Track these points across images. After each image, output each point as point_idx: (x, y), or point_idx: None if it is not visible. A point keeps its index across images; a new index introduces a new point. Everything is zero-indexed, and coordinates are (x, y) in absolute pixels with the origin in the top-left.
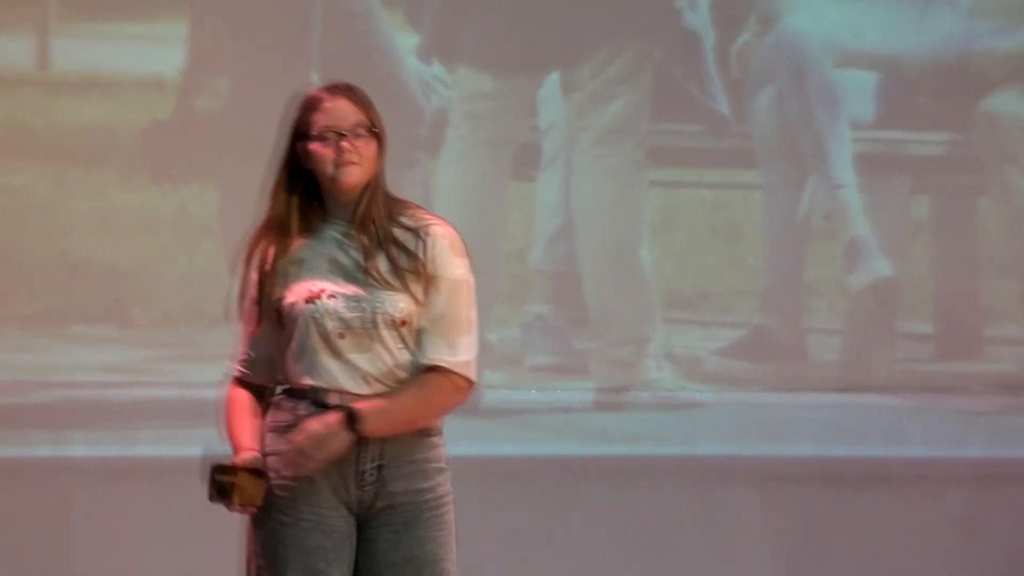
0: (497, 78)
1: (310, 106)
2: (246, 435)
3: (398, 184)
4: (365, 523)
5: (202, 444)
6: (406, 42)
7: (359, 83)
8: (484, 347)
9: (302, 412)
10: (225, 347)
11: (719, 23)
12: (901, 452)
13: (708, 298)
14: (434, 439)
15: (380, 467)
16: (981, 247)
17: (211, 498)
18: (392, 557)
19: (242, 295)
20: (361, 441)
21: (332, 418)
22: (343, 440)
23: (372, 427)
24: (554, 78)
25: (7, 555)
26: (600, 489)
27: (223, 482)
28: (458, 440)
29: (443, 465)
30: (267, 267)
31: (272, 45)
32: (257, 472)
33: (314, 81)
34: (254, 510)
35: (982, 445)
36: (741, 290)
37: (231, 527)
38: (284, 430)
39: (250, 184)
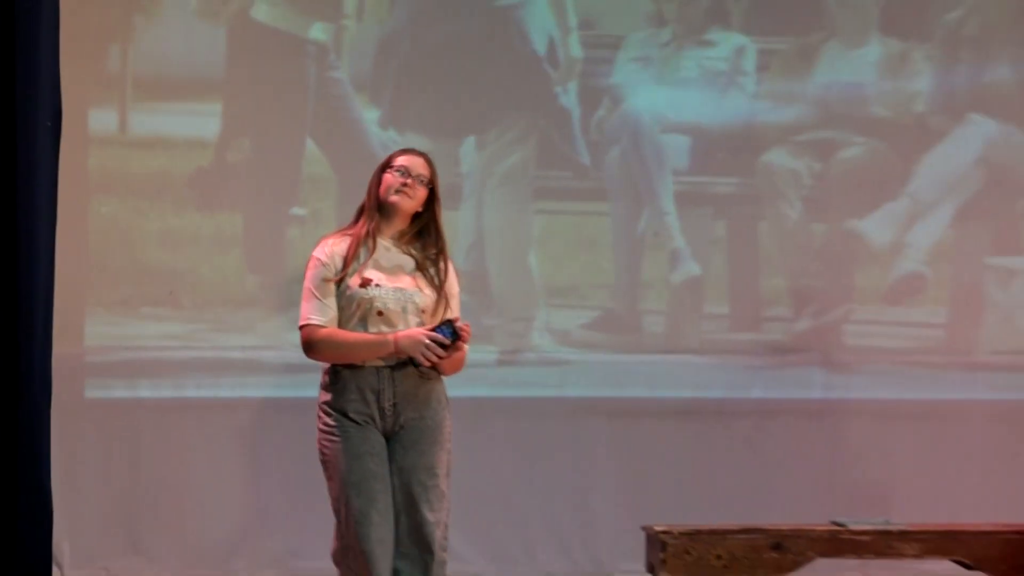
0: (432, 139)
1: (398, 153)
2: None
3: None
4: (388, 440)
5: (229, 389)
6: (370, 115)
7: (339, 144)
8: None
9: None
10: (246, 323)
11: (583, 103)
12: (706, 394)
13: (575, 289)
14: (433, 383)
15: (395, 404)
16: (760, 256)
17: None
18: (402, 464)
19: (319, 276)
20: (382, 388)
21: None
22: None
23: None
24: (471, 139)
25: (94, 469)
26: (500, 420)
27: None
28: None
29: (442, 399)
30: (342, 260)
31: (279, 117)
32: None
33: (308, 143)
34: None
35: (760, 389)
36: (597, 284)
37: (252, 447)
38: (329, 388)
39: (265, 212)
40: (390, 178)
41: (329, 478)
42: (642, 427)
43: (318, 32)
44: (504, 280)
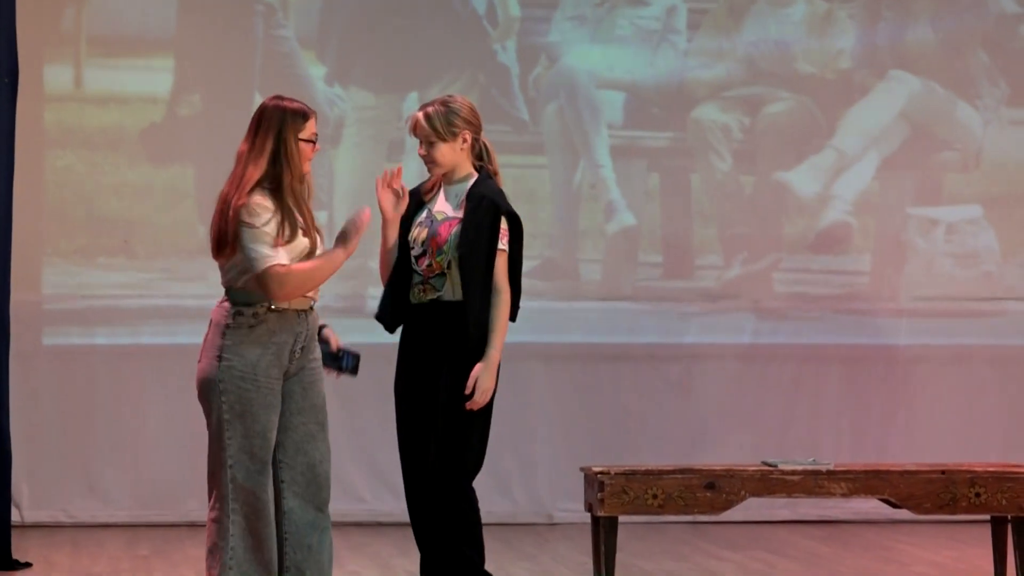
0: (376, 95)
1: (304, 118)
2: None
3: (311, 165)
4: (287, 382)
5: (184, 336)
6: (316, 71)
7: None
8: (365, 270)
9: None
10: (198, 272)
11: (521, 60)
12: (640, 339)
13: None
14: (320, 323)
15: (303, 347)
16: (692, 206)
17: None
18: (302, 404)
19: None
20: (299, 329)
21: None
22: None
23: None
24: (414, 95)
25: (52, 414)
26: None
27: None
28: (350, 334)
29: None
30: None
31: (228, 74)
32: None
33: (256, 98)
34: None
35: (693, 334)
36: (536, 233)
37: None
38: (250, 328)
39: (215, 164)
40: (305, 149)
41: (227, 422)
42: (579, 371)
43: None
44: None
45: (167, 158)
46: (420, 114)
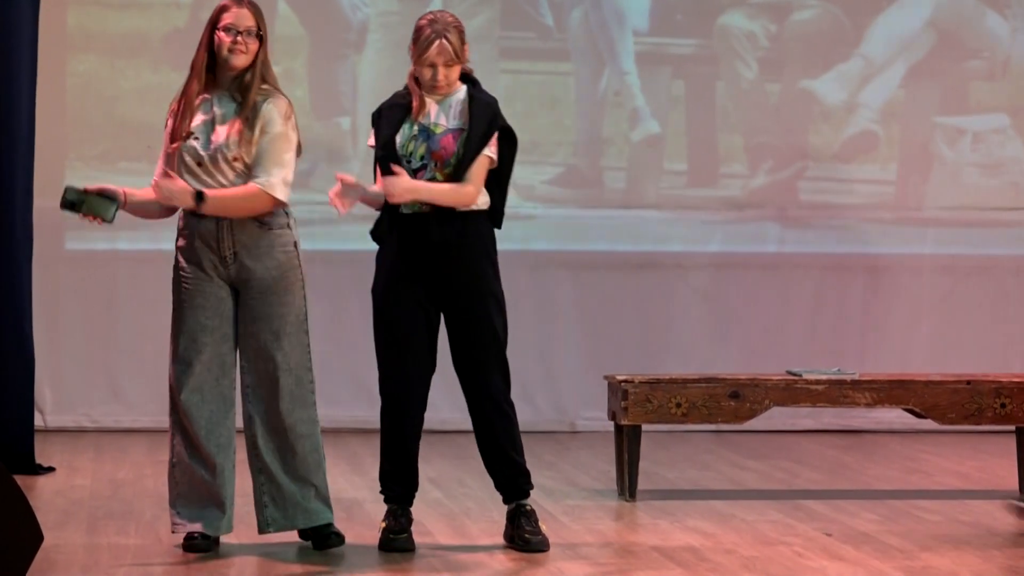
0: (399, 0)
1: (223, 8)
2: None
3: (335, 72)
4: (241, 291)
5: None
6: None
7: (309, 5)
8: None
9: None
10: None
11: None
12: (665, 248)
13: (539, 146)
14: (276, 231)
15: (235, 252)
16: (717, 114)
17: (61, 207)
18: (254, 314)
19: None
20: (221, 238)
21: (186, 187)
22: (186, 201)
23: (209, 206)
24: (437, 2)
25: (74, 319)
26: None
27: (70, 198)
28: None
29: (289, 249)
30: (177, 114)
31: None
32: (104, 195)
33: (280, 4)
34: (101, 222)
35: (717, 243)
36: (561, 141)
37: None
38: (180, 234)
39: None
40: (220, 37)
41: (172, 320)
42: (603, 280)
43: None
44: None
45: (188, 62)
46: (443, 41)
